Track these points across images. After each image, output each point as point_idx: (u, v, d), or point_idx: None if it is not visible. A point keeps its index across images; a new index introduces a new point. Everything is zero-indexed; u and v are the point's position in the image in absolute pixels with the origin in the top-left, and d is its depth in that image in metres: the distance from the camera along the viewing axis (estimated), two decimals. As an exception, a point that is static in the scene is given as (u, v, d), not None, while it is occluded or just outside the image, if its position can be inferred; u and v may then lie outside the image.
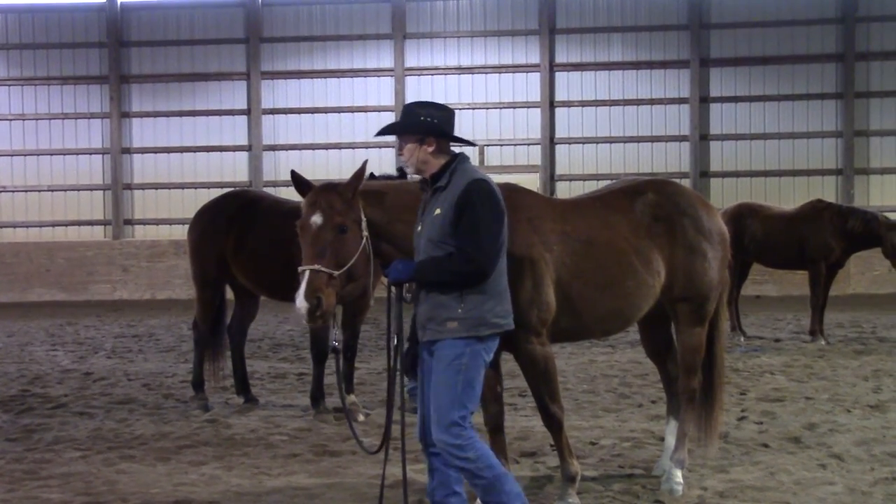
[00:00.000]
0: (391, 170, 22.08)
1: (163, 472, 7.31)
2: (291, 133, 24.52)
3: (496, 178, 5.62)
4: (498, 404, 6.06)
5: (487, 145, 23.56)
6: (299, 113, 24.50)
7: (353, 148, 23.88)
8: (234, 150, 24.70)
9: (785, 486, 6.67)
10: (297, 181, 5.71)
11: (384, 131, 5.61)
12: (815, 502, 6.35)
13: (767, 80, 23.78)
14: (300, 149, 24.31)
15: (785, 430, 8.36)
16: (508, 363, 6.60)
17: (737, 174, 23.83)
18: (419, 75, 24.33)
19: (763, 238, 14.60)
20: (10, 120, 24.97)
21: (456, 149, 5.65)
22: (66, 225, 24.88)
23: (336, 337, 5.78)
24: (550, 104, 23.98)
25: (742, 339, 14.23)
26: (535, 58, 24.06)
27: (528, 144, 24.01)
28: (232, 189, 13.77)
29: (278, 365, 12.68)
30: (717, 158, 24.01)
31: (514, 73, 24.15)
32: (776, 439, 8.05)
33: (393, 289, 5.57)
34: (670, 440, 6.88)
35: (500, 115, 23.81)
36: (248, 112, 24.57)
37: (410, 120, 5.38)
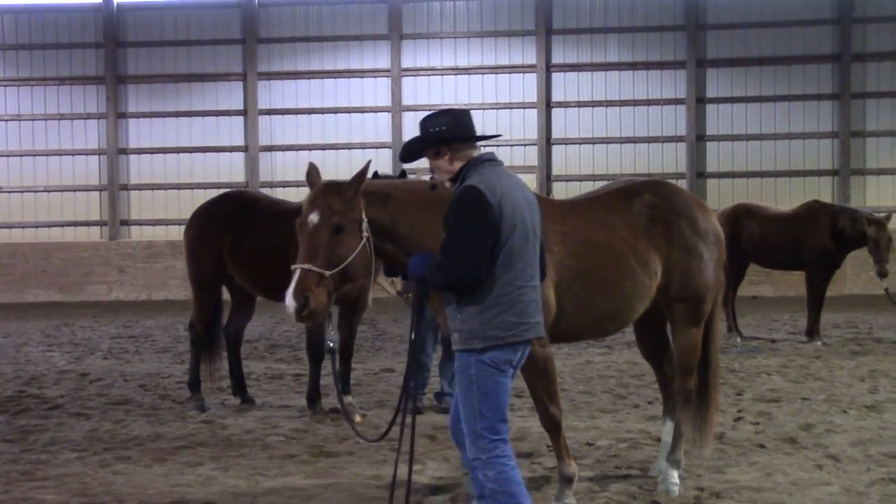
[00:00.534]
0: (389, 170, 22.19)
1: (159, 473, 7.30)
2: (288, 134, 24.52)
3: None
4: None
5: (484, 146, 23.54)
6: (296, 113, 24.50)
7: (349, 149, 23.89)
8: (230, 151, 24.70)
9: (781, 487, 6.67)
10: (309, 176, 5.72)
11: (404, 155, 5.48)
12: (811, 503, 6.35)
13: (764, 81, 23.82)
14: (297, 149, 24.30)
15: (781, 431, 8.36)
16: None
17: (733, 175, 23.86)
18: (416, 76, 24.34)
19: (760, 239, 14.62)
20: (7, 120, 24.96)
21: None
22: (63, 225, 24.87)
23: (331, 337, 5.80)
24: (547, 105, 24.00)
25: (738, 339, 14.24)
26: (531, 58, 24.08)
27: (525, 145, 24.03)
28: (228, 190, 13.73)
29: (275, 366, 12.67)
30: (713, 159, 24.03)
31: (510, 73, 24.16)
32: (772, 440, 8.06)
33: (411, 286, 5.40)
34: (667, 441, 6.88)
35: (496, 115, 23.81)
36: (244, 113, 24.57)
37: (421, 136, 5.31)
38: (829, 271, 14.46)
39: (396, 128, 24.13)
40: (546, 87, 24.00)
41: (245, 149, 24.58)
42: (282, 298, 5.44)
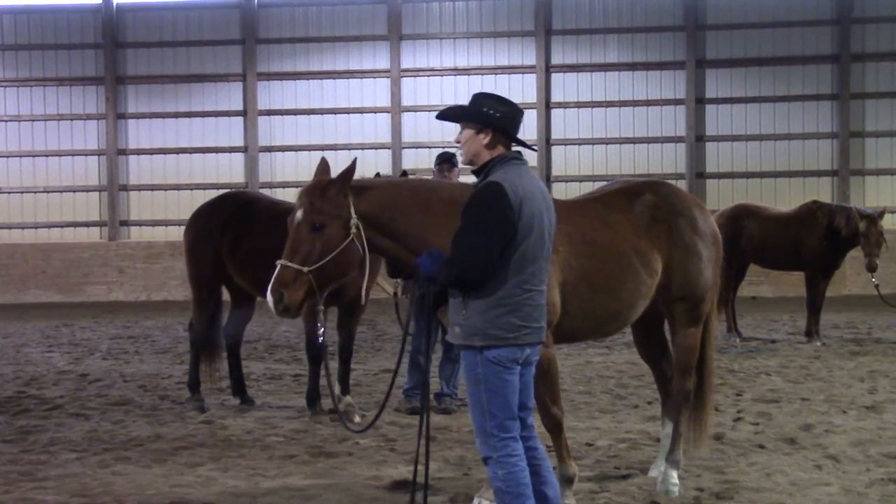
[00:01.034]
0: (389, 170, 22.22)
1: (159, 474, 7.30)
2: (287, 134, 24.52)
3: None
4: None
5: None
6: (295, 114, 24.50)
7: (349, 149, 23.84)
8: (230, 152, 24.70)
9: (781, 487, 6.67)
10: (318, 172, 5.79)
11: (444, 113, 5.41)
12: (810, 503, 6.36)
13: (763, 82, 23.82)
14: (296, 150, 24.30)
15: (781, 431, 8.36)
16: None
17: (732, 175, 23.86)
18: (415, 76, 24.34)
19: (760, 239, 14.63)
20: (6, 121, 24.95)
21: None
22: (62, 226, 24.86)
23: (320, 331, 5.95)
24: (546, 105, 23.99)
25: (738, 340, 14.24)
26: (531, 59, 24.08)
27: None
28: (228, 190, 13.74)
29: (274, 366, 12.67)
30: (712, 159, 24.04)
31: (510, 74, 24.16)
32: (772, 440, 8.06)
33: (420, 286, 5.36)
34: (666, 441, 6.89)
35: (496, 116, 23.77)
36: (244, 113, 24.57)
37: (472, 108, 5.22)
38: (828, 271, 14.47)
39: (396, 128, 24.13)
40: (545, 88, 24.00)
41: (244, 149, 24.58)
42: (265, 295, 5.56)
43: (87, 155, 24.86)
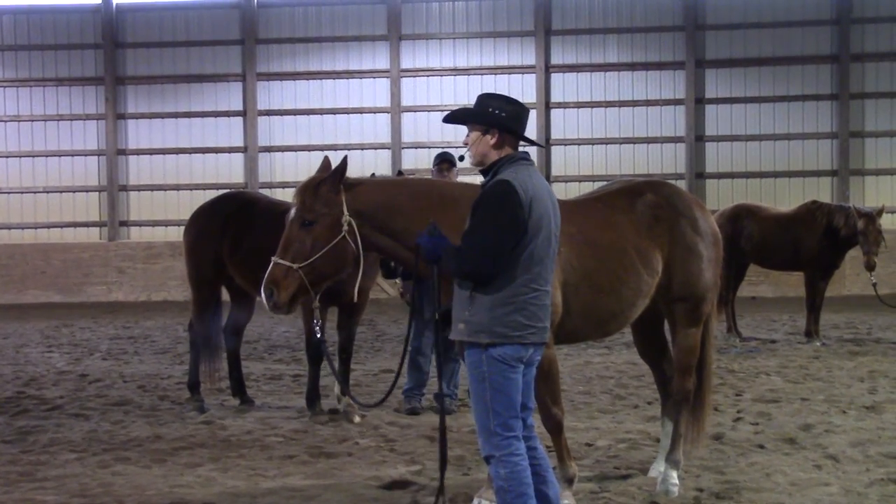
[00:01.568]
0: (387, 170, 22.23)
1: (158, 474, 7.30)
2: (287, 134, 24.52)
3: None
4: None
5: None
6: (295, 114, 24.50)
7: (348, 149, 23.80)
8: (229, 152, 24.70)
9: (780, 487, 6.67)
10: (320, 169, 5.84)
11: (451, 116, 5.41)
12: (810, 503, 6.36)
13: (763, 82, 23.83)
14: (296, 150, 24.31)
15: (780, 431, 8.36)
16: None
17: (732, 175, 23.87)
18: (415, 76, 24.34)
19: (759, 239, 14.64)
20: (6, 121, 24.96)
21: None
22: (62, 226, 24.86)
23: (317, 326, 6.10)
24: (546, 105, 23.99)
25: (738, 340, 14.24)
26: (530, 59, 24.08)
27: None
28: (228, 190, 13.74)
29: (274, 366, 12.67)
30: (712, 159, 24.04)
31: (509, 74, 24.16)
32: (772, 440, 8.06)
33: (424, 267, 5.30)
34: (666, 441, 6.89)
35: (495, 116, 23.75)
36: (243, 113, 24.57)
37: (478, 109, 5.23)
38: (828, 271, 14.48)
39: (395, 128, 24.14)
40: (545, 88, 24.00)
41: (244, 149, 24.58)
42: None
43: (86, 155, 24.86)
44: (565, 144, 24.08)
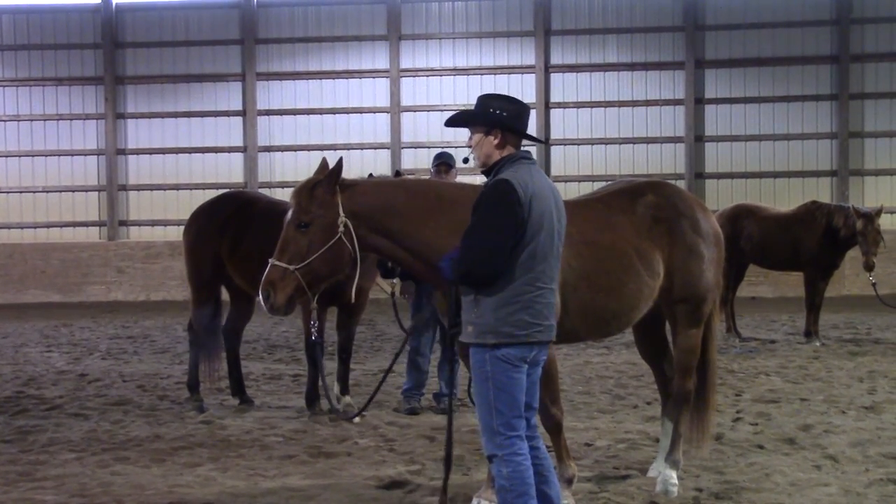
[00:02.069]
0: (387, 170, 22.22)
1: (158, 474, 7.29)
2: (287, 134, 24.52)
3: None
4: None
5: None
6: (294, 114, 24.50)
7: (348, 149, 23.85)
8: (229, 152, 24.70)
9: (780, 488, 6.67)
10: (318, 171, 5.87)
11: (452, 119, 5.40)
12: (809, 503, 6.36)
13: (762, 82, 23.83)
14: (295, 150, 24.31)
15: (780, 432, 8.36)
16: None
17: (732, 175, 23.87)
18: (414, 76, 24.34)
19: (759, 239, 14.65)
20: (5, 121, 24.95)
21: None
22: (61, 226, 24.86)
23: (314, 327, 6.22)
24: (546, 105, 23.99)
25: (737, 340, 14.25)
26: (530, 59, 24.09)
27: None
28: (227, 190, 13.74)
29: (273, 366, 12.67)
30: (712, 160, 24.04)
31: (509, 74, 24.16)
32: (771, 440, 8.06)
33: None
34: (665, 441, 6.89)
35: (495, 116, 23.74)
36: (243, 113, 24.57)
37: (478, 110, 5.23)
38: (827, 272, 14.48)
39: (395, 128, 24.14)
40: (545, 88, 24.00)
41: (244, 149, 24.58)
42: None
43: (86, 155, 24.86)
44: (565, 144, 24.08)
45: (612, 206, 6.50)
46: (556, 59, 24.18)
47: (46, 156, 24.83)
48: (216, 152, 24.69)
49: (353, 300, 6.75)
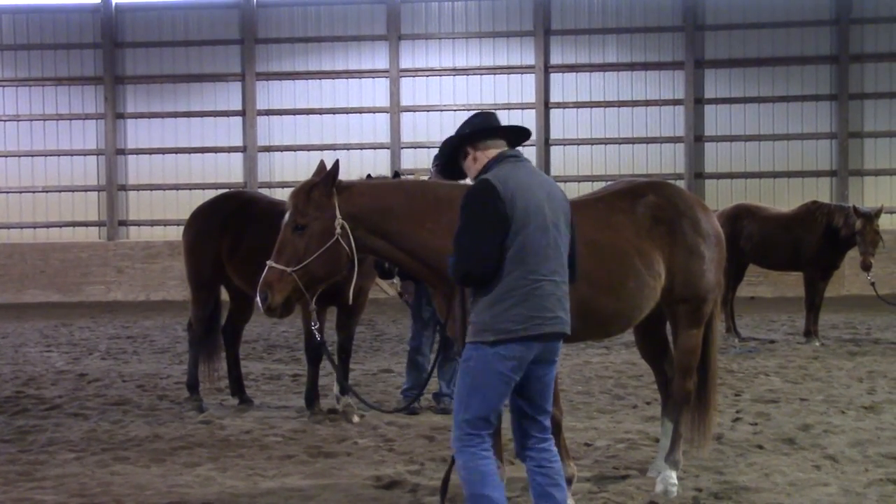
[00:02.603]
0: (386, 171, 22.22)
1: (157, 474, 7.29)
2: (286, 134, 24.53)
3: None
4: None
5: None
6: (294, 114, 24.51)
7: (348, 149, 23.88)
8: (228, 152, 24.71)
9: (779, 488, 6.67)
10: (316, 173, 5.90)
11: (440, 156, 5.60)
12: (809, 503, 6.36)
13: (762, 82, 23.84)
14: (295, 150, 24.32)
15: (779, 432, 8.36)
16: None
17: (731, 175, 23.88)
18: (414, 76, 24.35)
19: (759, 239, 14.65)
20: (5, 121, 24.96)
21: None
22: (61, 226, 24.87)
23: (315, 327, 6.22)
24: (545, 105, 24.01)
25: (737, 340, 14.25)
26: (529, 59, 24.09)
27: (524, 146, 23.87)
28: (227, 190, 13.74)
29: (273, 366, 12.67)
30: (711, 160, 24.06)
31: (508, 74, 24.18)
32: (771, 440, 8.06)
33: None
34: (665, 441, 6.88)
35: (494, 116, 23.73)
36: (243, 113, 24.57)
37: (445, 143, 5.46)
38: (827, 272, 14.48)
39: (395, 128, 24.14)
40: (544, 88, 24.01)
41: (243, 149, 24.58)
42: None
43: (85, 155, 24.88)
44: (564, 144, 24.09)
45: (613, 207, 6.49)
46: (555, 59, 24.19)
47: (46, 156, 24.84)
48: (216, 152, 24.70)
49: (350, 302, 6.75)
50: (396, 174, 11.04)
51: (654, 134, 23.99)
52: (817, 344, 13.79)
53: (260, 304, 5.61)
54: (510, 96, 24.12)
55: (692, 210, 6.64)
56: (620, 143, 23.98)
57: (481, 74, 24.17)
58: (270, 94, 24.61)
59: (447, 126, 21.90)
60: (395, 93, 24.22)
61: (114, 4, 24.81)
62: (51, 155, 24.84)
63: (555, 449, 5.26)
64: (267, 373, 12.07)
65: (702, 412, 6.90)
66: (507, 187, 4.98)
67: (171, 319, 18.80)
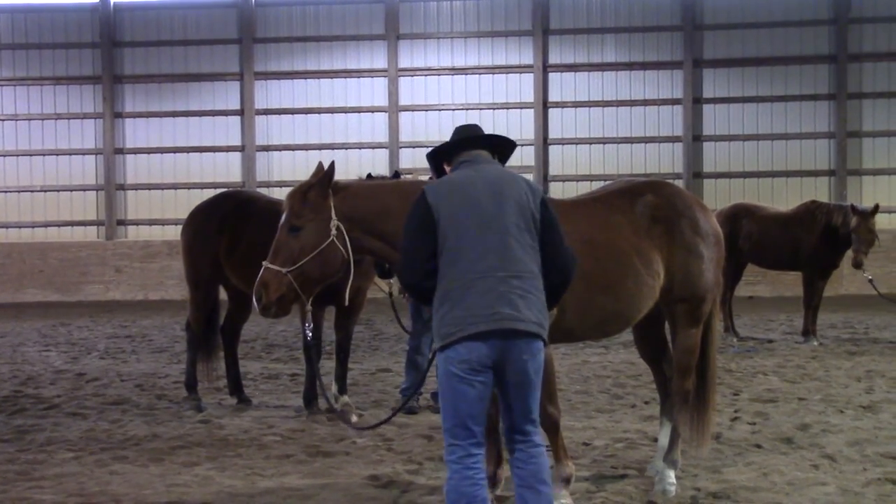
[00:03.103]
0: (384, 170, 22.22)
1: (156, 473, 7.29)
2: (285, 133, 24.52)
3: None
4: (493, 406, 6.04)
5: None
6: (293, 113, 24.49)
7: (346, 148, 23.88)
8: (227, 151, 24.69)
9: (778, 487, 6.68)
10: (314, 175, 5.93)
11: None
12: (807, 503, 6.36)
13: (760, 81, 23.84)
14: (293, 149, 24.30)
15: (778, 431, 8.37)
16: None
17: (730, 175, 23.88)
18: (412, 76, 24.33)
19: (758, 239, 14.65)
20: (3, 120, 24.94)
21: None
22: (59, 225, 24.85)
23: (308, 327, 6.25)
24: (544, 105, 24.00)
25: (735, 339, 14.25)
26: (528, 58, 24.08)
27: (522, 145, 23.95)
28: (225, 189, 13.74)
29: (271, 365, 12.67)
30: (710, 159, 24.05)
31: (507, 73, 24.16)
32: (769, 440, 8.07)
33: None
34: (663, 441, 6.89)
35: (493, 115, 23.77)
36: (241, 112, 24.56)
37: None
38: (826, 271, 14.48)
39: (393, 128, 24.13)
40: (543, 88, 24.00)
41: (242, 149, 24.57)
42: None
43: (84, 154, 24.85)
44: (563, 144, 24.08)
45: (612, 206, 6.49)
46: (554, 59, 24.18)
47: (44, 155, 24.82)
48: (214, 152, 24.68)
49: (346, 302, 6.76)
50: (397, 174, 11.04)
51: (653, 133, 23.98)
52: (816, 343, 13.79)
53: (256, 304, 5.68)
54: (508, 96, 24.11)
55: (691, 209, 6.64)
56: (619, 143, 23.98)
57: (480, 74, 24.16)
58: (269, 94, 24.59)
59: (446, 126, 21.92)
60: (393, 92, 24.21)
61: (112, 4, 24.78)
62: (49, 154, 24.82)
63: (539, 453, 5.00)
64: (265, 372, 12.08)
65: (700, 412, 6.89)
66: (437, 193, 4.94)
67: (170, 319, 18.80)
